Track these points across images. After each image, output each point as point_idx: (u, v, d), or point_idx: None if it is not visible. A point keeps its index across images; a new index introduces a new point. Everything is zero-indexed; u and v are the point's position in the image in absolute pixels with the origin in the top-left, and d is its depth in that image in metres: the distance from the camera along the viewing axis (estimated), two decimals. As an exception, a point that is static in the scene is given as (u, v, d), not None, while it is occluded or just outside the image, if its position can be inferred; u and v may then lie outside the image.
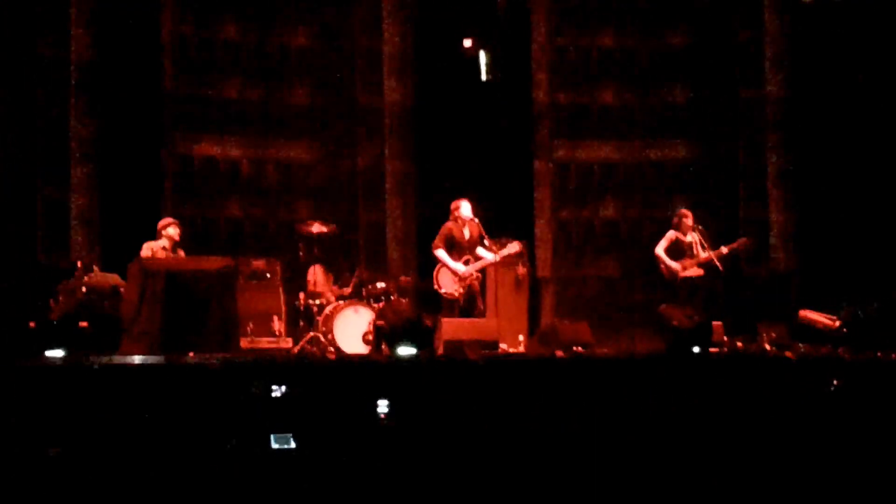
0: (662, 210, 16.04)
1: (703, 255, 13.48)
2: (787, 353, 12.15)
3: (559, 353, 11.70)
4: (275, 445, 7.66)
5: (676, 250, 13.60)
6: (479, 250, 12.71)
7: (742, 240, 13.96)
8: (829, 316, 12.96)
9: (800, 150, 16.49)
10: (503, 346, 12.68)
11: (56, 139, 14.81)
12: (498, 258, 12.80)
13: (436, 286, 12.69)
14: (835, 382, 8.60)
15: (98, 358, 10.08)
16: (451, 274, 12.60)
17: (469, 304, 12.70)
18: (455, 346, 11.66)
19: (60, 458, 7.73)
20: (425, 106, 16.90)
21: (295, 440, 7.73)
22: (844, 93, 15.96)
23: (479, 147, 17.08)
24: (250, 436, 8.04)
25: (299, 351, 12.76)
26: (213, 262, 11.58)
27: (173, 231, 12.71)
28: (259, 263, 14.23)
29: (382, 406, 8.21)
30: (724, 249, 13.56)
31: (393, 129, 16.68)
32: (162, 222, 12.79)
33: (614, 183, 16.94)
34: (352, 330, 12.78)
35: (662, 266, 13.60)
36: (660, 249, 13.63)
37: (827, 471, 7.46)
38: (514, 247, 12.87)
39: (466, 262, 12.61)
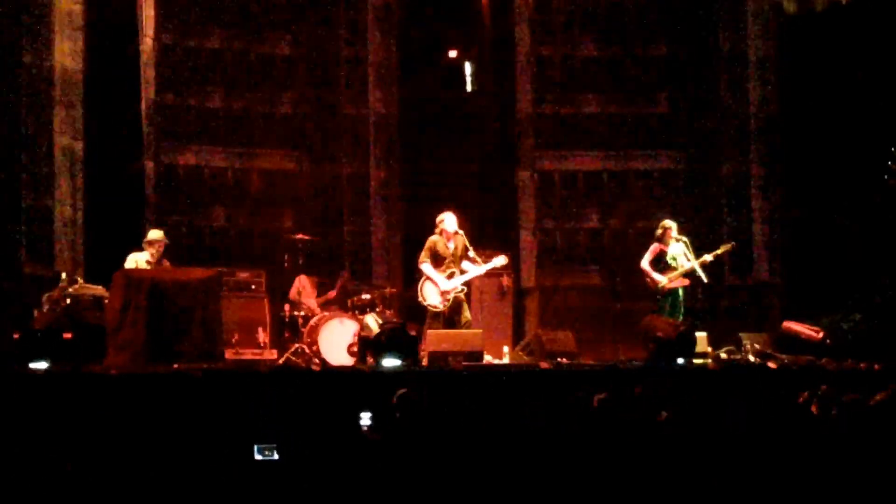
0: (646, 220, 16.07)
1: (688, 265, 13.51)
2: (770, 364, 12.20)
3: (543, 364, 11.70)
4: (258, 457, 7.64)
5: (661, 262, 13.62)
6: (465, 264, 12.69)
7: (726, 246, 14.00)
8: (812, 327, 13.01)
9: (783, 161, 16.55)
10: (488, 357, 12.68)
11: (40, 149, 14.76)
12: (483, 271, 12.80)
13: (420, 298, 12.67)
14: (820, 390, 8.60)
15: (82, 367, 10.11)
16: (435, 287, 12.58)
17: (454, 315, 12.69)
18: (439, 357, 11.67)
19: (45, 468, 7.72)
20: (409, 116, 16.92)
21: (278, 451, 7.72)
22: (828, 103, 15.99)
23: (464, 157, 17.11)
24: (233, 446, 8.03)
25: (284, 362, 12.75)
26: (198, 273, 11.57)
27: (158, 247, 12.59)
28: (244, 274, 14.23)
29: (365, 419, 8.20)
30: (709, 258, 13.60)
31: (377, 138, 16.70)
32: (148, 237, 12.70)
33: (598, 193, 16.95)
34: (337, 341, 12.76)
35: (648, 279, 13.63)
36: (645, 263, 13.66)
37: (811, 480, 7.47)
38: (500, 260, 12.88)
39: (451, 276, 12.59)
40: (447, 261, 12.64)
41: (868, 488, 7.09)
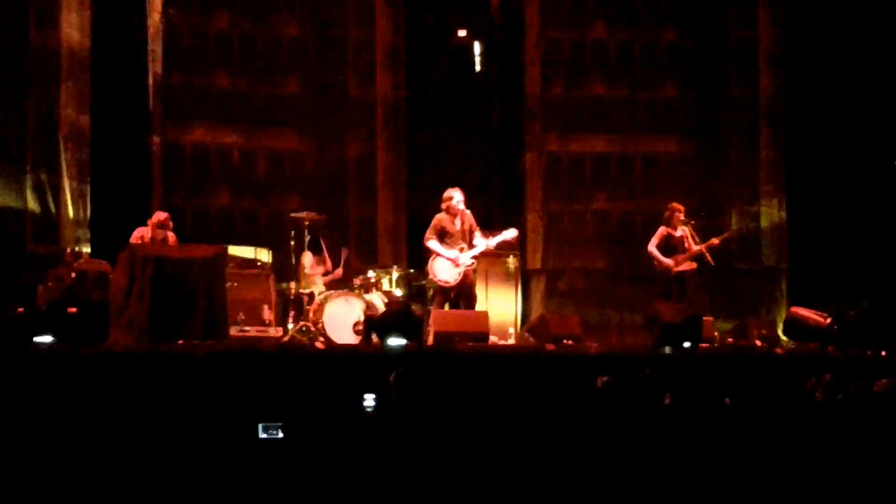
0: (653, 203, 16.03)
1: (695, 248, 13.49)
2: (777, 350, 12.18)
3: (549, 347, 11.68)
4: (262, 435, 7.62)
5: (668, 246, 13.60)
6: (475, 237, 12.64)
7: (733, 230, 13.99)
8: (820, 313, 12.97)
9: (792, 146, 16.52)
10: (493, 338, 12.66)
11: (46, 127, 14.73)
12: (493, 244, 12.73)
13: (431, 276, 12.65)
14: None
15: (85, 346, 10.09)
16: (445, 262, 12.52)
17: (461, 295, 12.67)
18: (445, 337, 11.65)
19: (48, 446, 7.71)
20: (417, 98, 16.88)
21: (282, 430, 7.70)
22: (838, 90, 15.97)
23: (471, 139, 17.07)
24: (238, 425, 8.01)
25: (289, 340, 12.72)
26: (203, 251, 11.53)
27: (162, 226, 12.64)
28: (249, 252, 14.23)
29: (369, 400, 8.16)
30: (716, 241, 13.58)
31: (384, 120, 16.66)
32: (153, 218, 12.73)
33: (605, 176, 16.90)
34: (342, 320, 12.73)
35: (655, 262, 13.60)
36: (652, 246, 13.64)
37: (816, 470, 7.44)
38: (510, 233, 12.80)
39: (461, 251, 12.55)
40: (454, 238, 12.60)
41: (873, 475, 7.07)
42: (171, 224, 12.71)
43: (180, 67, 16.13)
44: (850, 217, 15.79)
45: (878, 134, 15.85)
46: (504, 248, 13.47)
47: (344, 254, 14.11)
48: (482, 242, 12.62)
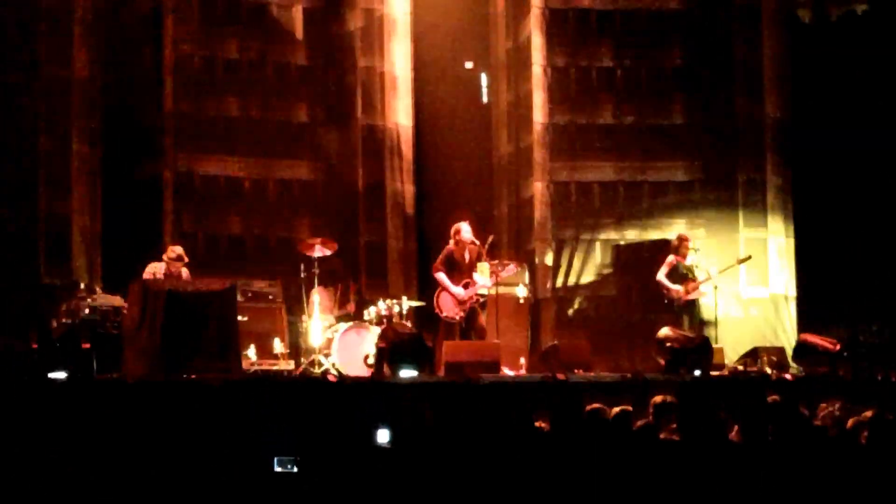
0: (661, 230, 16.07)
1: (704, 276, 13.52)
2: (787, 375, 12.20)
3: (560, 375, 11.70)
4: (277, 469, 7.65)
5: (677, 274, 13.64)
6: (475, 275, 12.72)
7: (742, 258, 14.02)
8: (829, 339, 13.01)
9: (799, 170, 16.53)
10: (504, 368, 12.69)
11: (58, 158, 14.81)
12: (489, 285, 12.82)
13: (437, 310, 12.73)
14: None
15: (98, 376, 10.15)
16: (451, 298, 12.63)
17: (470, 325, 12.73)
18: (456, 367, 11.68)
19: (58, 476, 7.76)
20: (425, 126, 16.94)
21: (296, 461, 7.72)
22: (844, 111, 15.99)
23: (479, 167, 17.12)
24: (249, 455, 8.05)
25: (301, 372, 12.75)
26: (214, 284, 11.60)
27: (177, 261, 12.67)
28: (261, 284, 14.27)
29: (383, 436, 8.15)
30: (725, 269, 13.61)
31: (392, 148, 16.73)
32: (168, 253, 12.77)
33: (613, 203, 16.92)
34: (353, 352, 12.77)
35: (664, 291, 13.64)
36: (661, 276, 13.68)
37: (827, 494, 7.46)
38: (510, 269, 12.89)
39: (466, 286, 12.64)
40: (463, 270, 12.69)
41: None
42: (186, 259, 12.73)
43: (191, 97, 16.19)
44: (859, 240, 15.80)
45: (885, 157, 15.88)
46: (510, 281, 13.55)
47: (353, 289, 14.14)
48: (481, 281, 12.71)
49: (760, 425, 8.04)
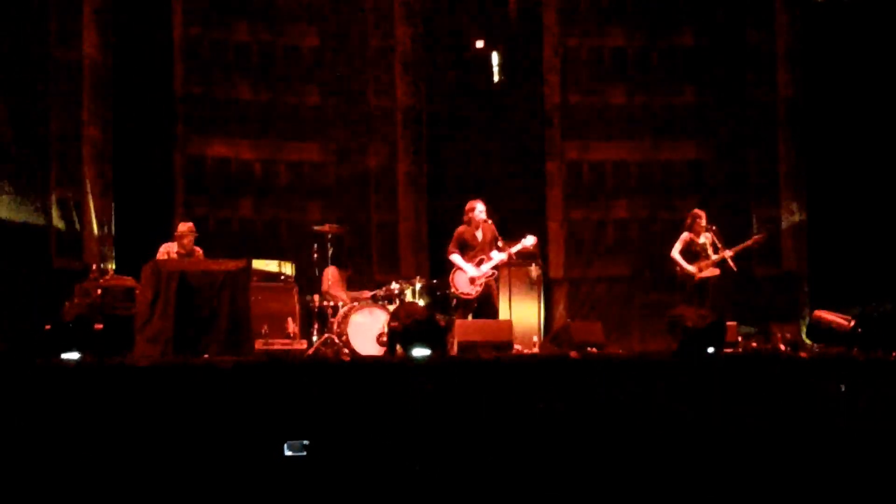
0: (674, 210, 16.05)
1: (717, 255, 13.49)
2: (801, 353, 12.15)
3: (573, 354, 11.68)
4: (288, 453, 7.63)
5: (691, 252, 13.60)
6: (493, 252, 12.73)
7: (756, 236, 13.98)
8: (843, 316, 12.94)
9: (811, 149, 16.50)
10: (517, 346, 12.69)
11: (70, 142, 14.82)
12: (508, 254, 12.80)
13: (452, 288, 12.76)
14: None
15: (110, 359, 10.14)
16: (465, 275, 12.65)
17: (484, 305, 12.74)
18: (468, 347, 11.67)
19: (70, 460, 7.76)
20: (437, 107, 16.93)
21: (307, 441, 7.72)
22: (856, 91, 15.94)
23: (491, 148, 17.10)
24: (262, 438, 8.04)
25: (313, 353, 12.77)
26: (227, 264, 11.59)
27: (188, 239, 12.67)
28: (274, 265, 14.28)
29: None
30: (738, 248, 13.58)
31: (404, 130, 16.72)
32: (179, 229, 12.77)
33: (625, 183, 16.92)
34: (366, 331, 12.78)
35: (678, 268, 13.61)
36: (675, 252, 13.64)
37: (839, 471, 7.45)
38: (528, 240, 12.85)
39: (480, 263, 12.65)
40: (476, 249, 12.69)
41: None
42: (196, 234, 12.72)
43: (201, 80, 16.23)
44: (872, 218, 15.75)
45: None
46: (525, 256, 13.51)
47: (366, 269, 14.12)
48: (498, 255, 12.70)
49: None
